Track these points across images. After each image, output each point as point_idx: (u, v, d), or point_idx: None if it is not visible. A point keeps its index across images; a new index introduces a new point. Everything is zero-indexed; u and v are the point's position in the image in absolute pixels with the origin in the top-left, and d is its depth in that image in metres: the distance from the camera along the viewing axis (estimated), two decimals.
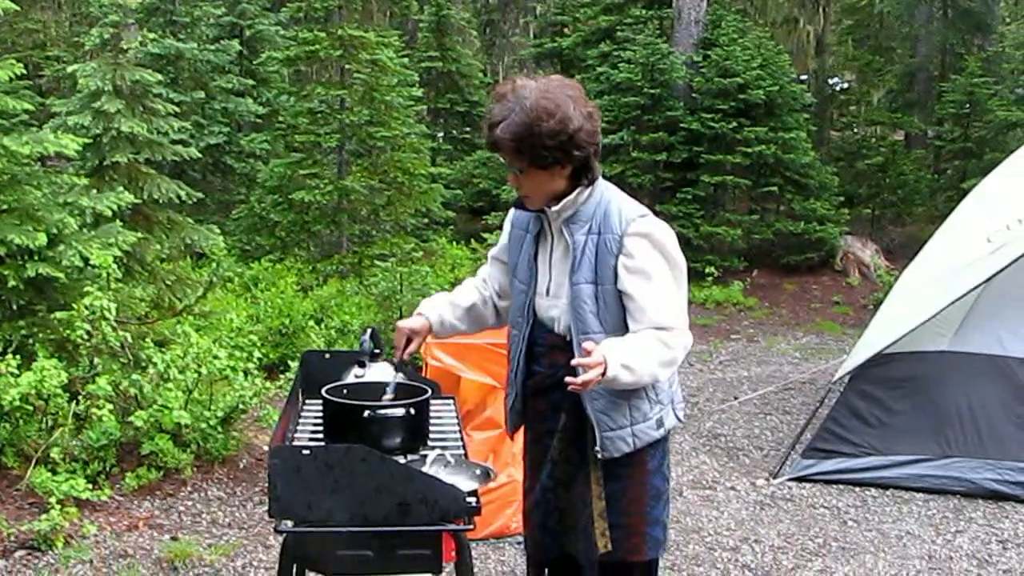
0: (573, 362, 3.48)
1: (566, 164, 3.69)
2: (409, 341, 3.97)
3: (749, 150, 16.41)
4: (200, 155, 10.87)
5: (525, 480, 4.16)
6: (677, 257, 3.77)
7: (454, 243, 15.41)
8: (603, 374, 3.42)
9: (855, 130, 22.06)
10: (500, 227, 4.35)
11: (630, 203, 3.82)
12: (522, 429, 4.15)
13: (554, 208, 3.76)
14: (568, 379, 3.45)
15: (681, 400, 4.07)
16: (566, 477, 3.93)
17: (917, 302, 8.02)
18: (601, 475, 3.83)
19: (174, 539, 6.34)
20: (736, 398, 10.09)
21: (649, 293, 3.68)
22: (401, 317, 9.99)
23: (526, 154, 3.63)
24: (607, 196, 3.80)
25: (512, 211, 4.07)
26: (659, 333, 3.64)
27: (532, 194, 3.78)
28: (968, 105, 19.07)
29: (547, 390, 3.90)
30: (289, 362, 9.21)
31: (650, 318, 3.66)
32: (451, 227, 16.76)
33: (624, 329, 3.72)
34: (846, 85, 25.67)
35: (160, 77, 9.71)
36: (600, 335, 3.67)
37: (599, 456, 3.80)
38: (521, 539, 5.92)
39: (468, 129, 22.09)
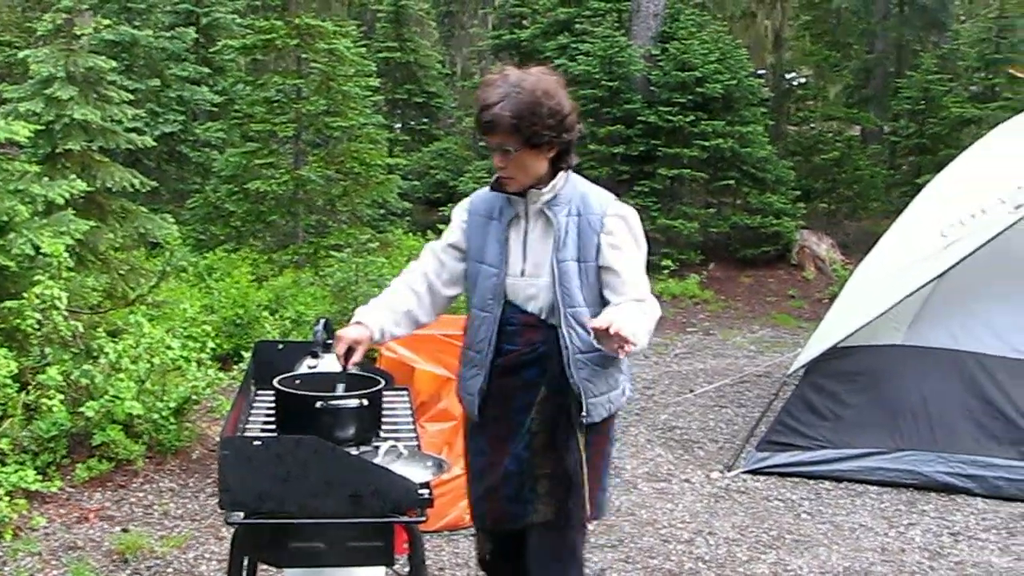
0: (600, 327, 3.61)
1: (554, 146, 3.91)
2: (351, 350, 3.95)
3: (706, 143, 16.48)
4: (155, 144, 10.75)
5: (480, 458, 4.22)
6: (643, 239, 4.07)
7: (410, 234, 15.35)
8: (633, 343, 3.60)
9: (812, 125, 22.18)
10: None
11: (601, 188, 4.10)
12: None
13: (542, 190, 3.96)
14: (593, 325, 3.65)
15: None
16: (545, 446, 4.06)
17: (872, 296, 8.05)
18: (575, 444, 3.99)
19: (125, 531, 6.29)
20: (692, 391, 10.11)
21: (629, 267, 3.95)
22: (356, 308, 10.00)
23: (523, 132, 3.82)
24: (579, 182, 4.07)
25: (467, 201, 4.20)
26: (641, 304, 3.89)
27: (517, 175, 3.94)
28: (923, 101, 19.21)
29: (520, 368, 4.03)
30: (243, 352, 9.12)
31: (630, 290, 3.92)
32: (407, 218, 16.74)
33: (600, 304, 3.96)
34: (803, 80, 25.78)
35: (114, 64, 9.60)
36: (583, 308, 3.92)
37: (584, 421, 3.97)
38: (474, 531, 5.92)
39: (426, 120, 22.07)
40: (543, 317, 3.99)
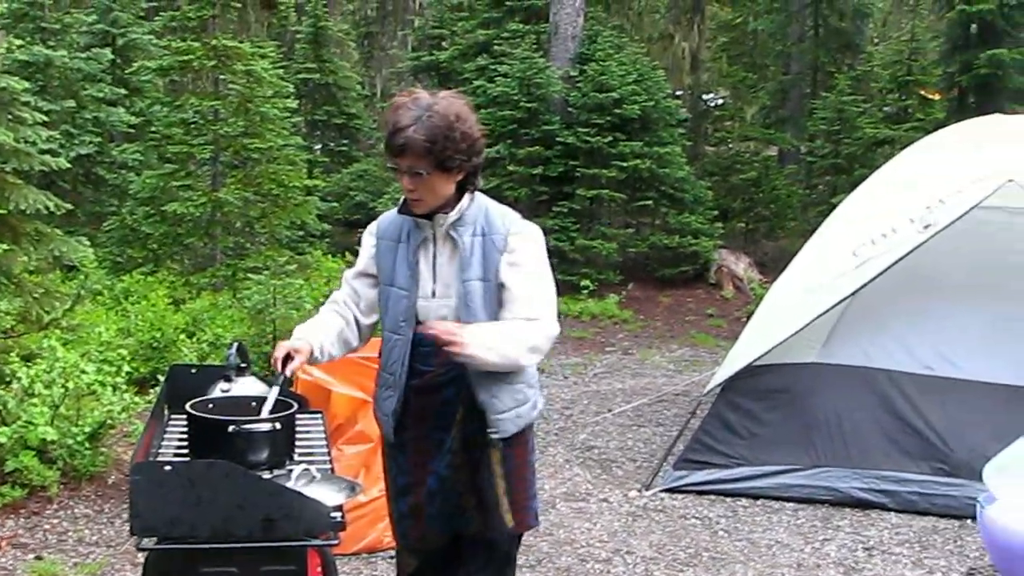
0: (427, 329, 3.85)
1: (463, 169, 3.96)
2: (289, 357, 3.96)
3: (624, 164, 16.55)
4: (70, 165, 10.63)
5: (402, 477, 4.26)
6: (544, 257, 4.12)
7: (329, 256, 15.29)
8: (462, 347, 3.76)
9: (729, 145, 22.37)
10: None
11: (505, 208, 4.16)
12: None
13: (448, 214, 4.00)
14: (430, 331, 3.83)
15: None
16: (466, 463, 4.11)
17: (786, 315, 8.14)
18: (501, 456, 4.08)
19: (39, 559, 6.22)
20: (610, 410, 10.15)
21: (523, 285, 3.99)
22: (275, 331, 9.96)
23: (435, 156, 3.85)
24: (484, 202, 4.11)
25: (374, 225, 4.25)
26: (527, 323, 3.95)
27: (426, 198, 3.96)
28: (838, 122, 19.42)
29: (437, 388, 4.06)
30: (160, 376, 9.06)
31: (520, 307, 3.97)
32: (327, 240, 16.66)
33: None
34: (720, 101, 26.06)
35: (28, 85, 9.49)
36: None
37: (493, 437, 4.04)
38: (393, 554, 5.94)
39: (345, 142, 22.01)
40: None
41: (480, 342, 3.80)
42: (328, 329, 4.16)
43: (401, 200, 4.08)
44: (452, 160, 3.87)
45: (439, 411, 4.09)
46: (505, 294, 3.99)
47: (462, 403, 4.05)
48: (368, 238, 4.24)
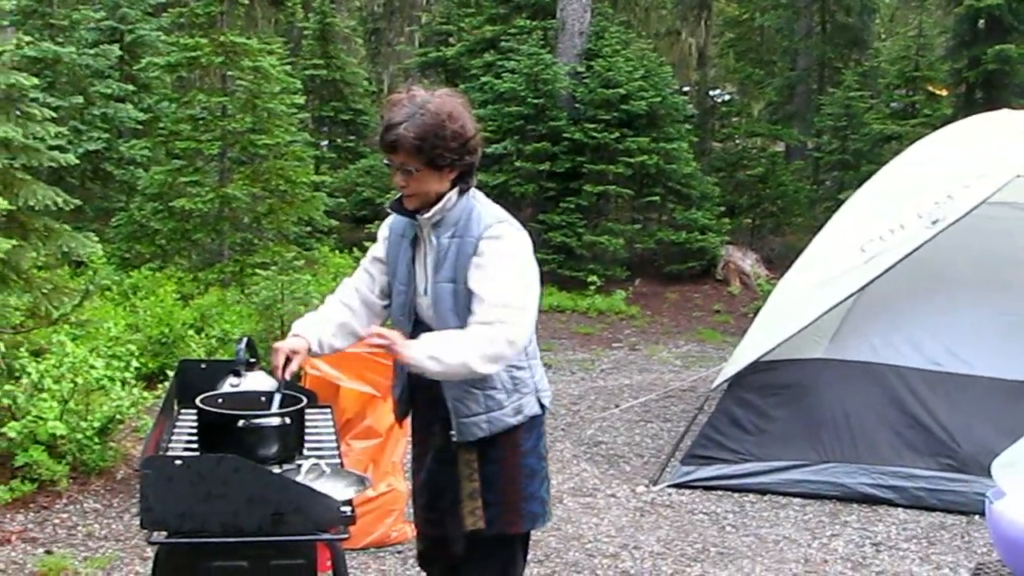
0: (369, 335, 3.87)
1: (455, 167, 3.94)
2: (288, 360, 3.96)
3: (631, 160, 16.56)
4: (79, 162, 10.64)
5: (413, 461, 4.47)
6: (526, 261, 4.03)
7: (337, 252, 15.31)
8: (400, 354, 3.79)
9: (736, 141, 22.34)
10: None
11: (493, 209, 4.08)
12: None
13: (425, 215, 3.97)
14: (371, 338, 3.84)
15: (547, 389, 4.29)
16: (444, 461, 4.14)
17: (794, 310, 8.15)
18: (474, 458, 4.08)
19: (48, 553, 6.23)
20: (617, 406, 10.17)
21: (488, 289, 3.89)
22: (283, 326, 9.97)
23: (426, 154, 3.85)
24: (472, 203, 4.04)
25: (391, 217, 4.24)
26: (484, 328, 3.86)
27: (417, 195, 3.97)
28: (845, 118, 19.39)
29: (428, 384, 4.04)
30: (169, 372, 9.05)
31: (481, 312, 3.88)
32: (334, 236, 16.66)
33: None
34: (727, 97, 26.04)
35: (37, 81, 9.47)
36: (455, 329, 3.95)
37: (454, 439, 4.06)
38: (401, 548, 5.98)
39: (352, 137, 21.99)
40: None
41: (421, 350, 3.78)
42: (328, 322, 4.17)
43: (396, 196, 4.10)
44: (443, 158, 3.88)
45: (431, 406, 4.14)
46: (472, 298, 3.92)
47: (443, 402, 4.07)
48: (383, 228, 4.29)
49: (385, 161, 4.00)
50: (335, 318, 4.20)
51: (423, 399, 4.18)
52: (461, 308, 3.95)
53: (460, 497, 4.09)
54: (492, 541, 4.16)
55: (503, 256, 3.94)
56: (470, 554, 4.17)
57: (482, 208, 4.04)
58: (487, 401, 4.04)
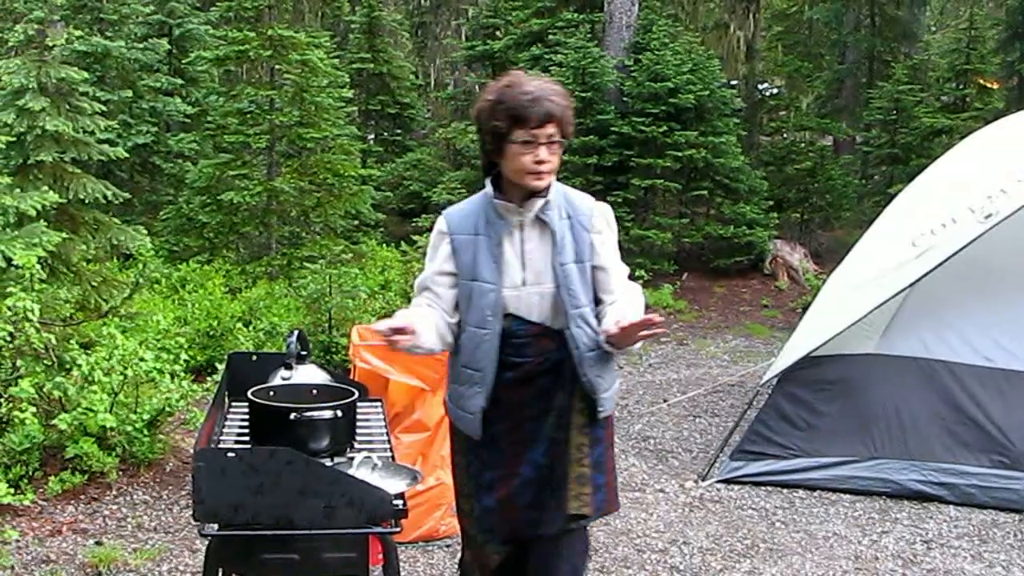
0: (614, 332, 3.83)
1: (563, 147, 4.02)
2: (401, 330, 3.74)
3: (679, 154, 16.48)
4: (127, 155, 10.73)
5: (489, 472, 4.14)
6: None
7: (384, 245, 15.33)
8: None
9: (784, 135, 22.17)
10: (430, 229, 4.33)
11: (573, 190, 4.20)
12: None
13: (545, 197, 4.01)
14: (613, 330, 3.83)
15: None
16: (564, 450, 4.10)
17: (844, 305, 8.09)
18: (585, 443, 4.10)
19: (98, 544, 6.27)
20: (665, 401, 10.13)
21: (614, 262, 4.12)
22: (330, 320, 10.00)
23: (567, 125, 3.96)
24: (557, 185, 4.11)
25: (443, 222, 4.10)
26: (628, 293, 4.07)
27: (552, 172, 4.01)
28: (895, 112, 19.24)
29: (534, 377, 4.04)
30: (217, 364, 9.08)
31: (617, 285, 4.07)
32: (381, 229, 16.71)
33: (596, 301, 4.07)
34: (775, 90, 25.86)
35: (86, 75, 9.58)
36: (588, 308, 4.02)
37: (601, 415, 4.11)
38: (449, 542, 5.96)
39: (399, 131, 22.01)
40: (548, 324, 4.02)
41: (639, 312, 3.89)
42: (428, 323, 3.96)
43: (488, 185, 4.03)
44: (570, 134, 3.97)
45: (535, 400, 4.05)
46: (602, 274, 4.04)
47: (561, 389, 4.05)
48: (440, 236, 4.09)
49: (523, 139, 3.88)
50: (432, 321, 4.00)
51: (523, 396, 4.05)
52: (586, 286, 4.02)
53: (567, 483, 4.07)
54: (581, 527, 4.20)
55: (612, 229, 4.16)
56: (557, 540, 4.13)
57: (564, 187, 4.15)
58: (614, 372, 4.17)
